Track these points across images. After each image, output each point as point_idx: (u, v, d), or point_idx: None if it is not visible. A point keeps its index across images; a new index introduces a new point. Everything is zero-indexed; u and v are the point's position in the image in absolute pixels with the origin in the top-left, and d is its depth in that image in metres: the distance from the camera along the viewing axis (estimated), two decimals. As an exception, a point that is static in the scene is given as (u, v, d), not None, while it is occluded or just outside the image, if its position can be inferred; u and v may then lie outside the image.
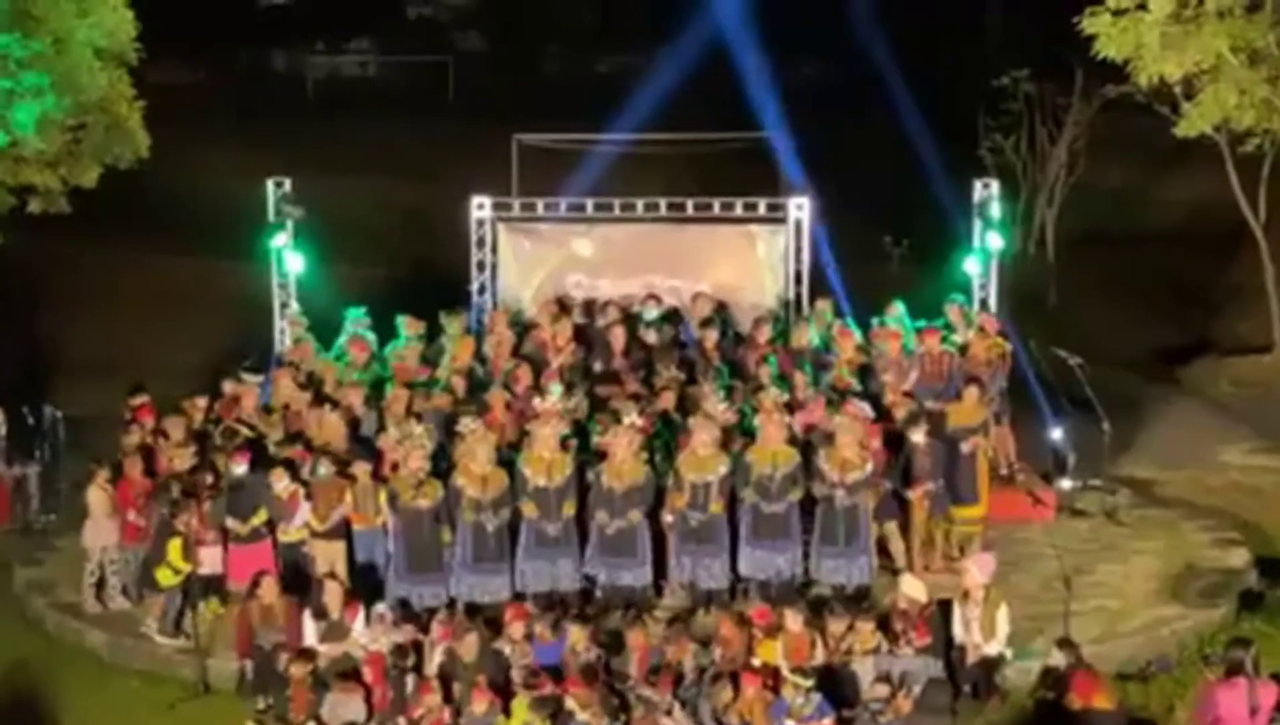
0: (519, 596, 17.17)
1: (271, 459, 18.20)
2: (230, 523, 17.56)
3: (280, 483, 17.53)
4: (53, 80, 21.14)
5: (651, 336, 20.65)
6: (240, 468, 17.72)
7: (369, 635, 16.05)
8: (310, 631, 16.13)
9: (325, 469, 17.60)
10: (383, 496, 17.51)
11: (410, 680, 15.47)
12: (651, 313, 21.20)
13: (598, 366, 20.35)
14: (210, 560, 17.60)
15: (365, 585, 17.24)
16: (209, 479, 17.93)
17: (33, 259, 28.51)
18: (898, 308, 21.09)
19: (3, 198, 23.23)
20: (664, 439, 18.26)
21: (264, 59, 55.47)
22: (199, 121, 37.38)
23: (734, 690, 14.92)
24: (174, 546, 17.10)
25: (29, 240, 25.15)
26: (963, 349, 20.50)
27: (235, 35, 51.35)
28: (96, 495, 18.16)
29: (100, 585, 18.15)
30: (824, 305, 21.35)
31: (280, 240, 22.43)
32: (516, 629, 15.88)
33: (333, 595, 16.25)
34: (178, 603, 17.19)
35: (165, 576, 17.11)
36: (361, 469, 17.59)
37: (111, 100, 22.90)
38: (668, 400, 19.03)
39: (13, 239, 23.70)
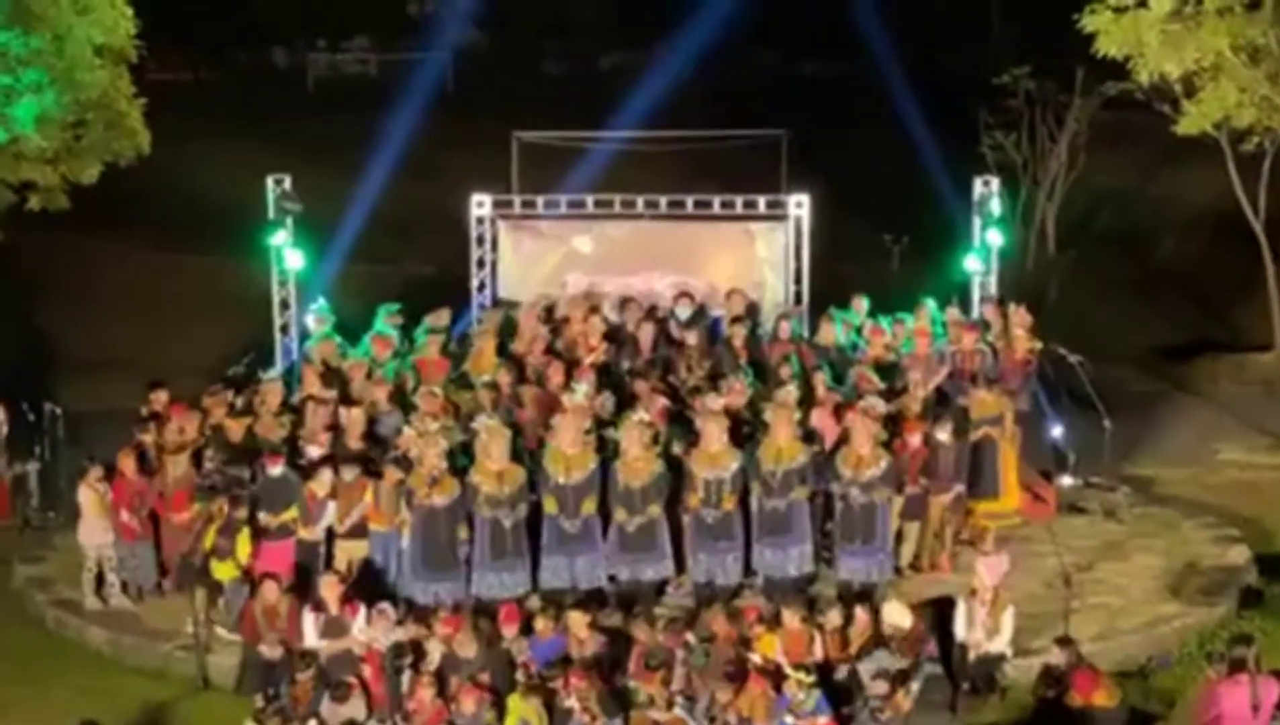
0: (542, 594, 17.20)
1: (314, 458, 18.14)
2: (262, 517, 17.50)
3: (323, 480, 17.50)
4: (52, 77, 21.19)
5: (690, 336, 20.46)
6: (276, 469, 17.65)
7: (369, 633, 16.03)
8: (310, 627, 16.10)
9: (351, 474, 17.56)
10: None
11: (406, 678, 15.46)
12: (685, 311, 21.11)
13: (626, 364, 20.28)
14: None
15: (374, 584, 17.22)
16: (240, 474, 17.90)
17: (33, 256, 28.52)
18: (928, 305, 20.99)
19: (3, 194, 23.26)
20: (680, 435, 18.14)
21: (265, 56, 55.52)
22: (199, 119, 37.38)
23: (736, 689, 14.94)
24: (242, 538, 17.14)
25: (29, 237, 25.14)
26: (993, 348, 20.40)
27: (236, 32, 51.36)
28: (87, 494, 18.15)
29: (100, 582, 18.14)
30: (859, 302, 21.24)
31: (280, 238, 22.37)
32: (510, 629, 15.86)
33: (330, 589, 16.21)
34: (244, 596, 17.07)
35: (227, 570, 17.11)
36: (392, 471, 17.49)
37: (111, 97, 22.92)
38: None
39: (13, 236, 23.70)
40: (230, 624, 17.10)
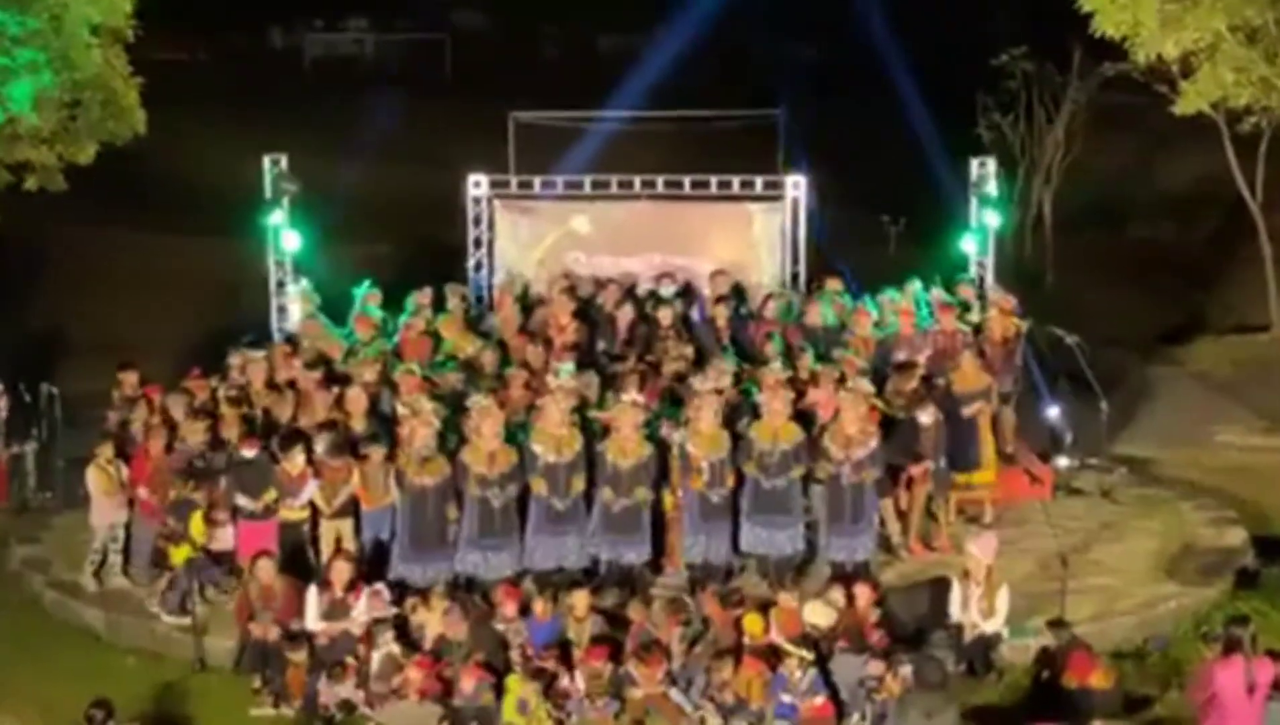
0: (523, 574, 17.19)
1: (284, 436, 18.11)
2: (242, 500, 17.45)
3: (296, 459, 17.46)
4: (49, 57, 21.15)
5: (666, 315, 20.48)
6: (251, 451, 17.61)
7: (366, 613, 16.05)
8: (313, 608, 16.09)
9: (339, 460, 17.54)
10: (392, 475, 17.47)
11: (381, 654, 15.44)
12: (668, 290, 21.11)
13: (601, 345, 20.29)
14: (223, 538, 17.59)
15: (369, 564, 17.21)
16: (222, 458, 17.88)
17: (29, 237, 28.49)
18: (914, 285, 21.03)
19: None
20: (673, 416, 18.13)
21: (261, 36, 55.48)
22: (196, 99, 37.39)
23: (734, 667, 14.99)
24: (195, 520, 17.14)
25: (26, 218, 25.11)
26: (976, 327, 20.44)
27: (233, 13, 51.28)
28: (95, 475, 18.09)
29: (101, 564, 18.13)
30: (834, 284, 21.29)
31: (276, 217, 22.37)
32: (509, 608, 15.89)
33: (340, 573, 16.19)
34: (187, 581, 17.09)
35: (184, 553, 17.06)
36: (375, 450, 17.49)
37: (108, 77, 22.89)
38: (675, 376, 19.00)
39: (9, 217, 23.67)
40: (173, 608, 17.07)
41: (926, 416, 18.25)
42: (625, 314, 20.47)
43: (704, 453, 17.23)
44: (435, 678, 15.16)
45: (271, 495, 17.44)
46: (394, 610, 16.11)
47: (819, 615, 15.79)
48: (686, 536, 17.46)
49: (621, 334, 20.33)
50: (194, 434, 18.10)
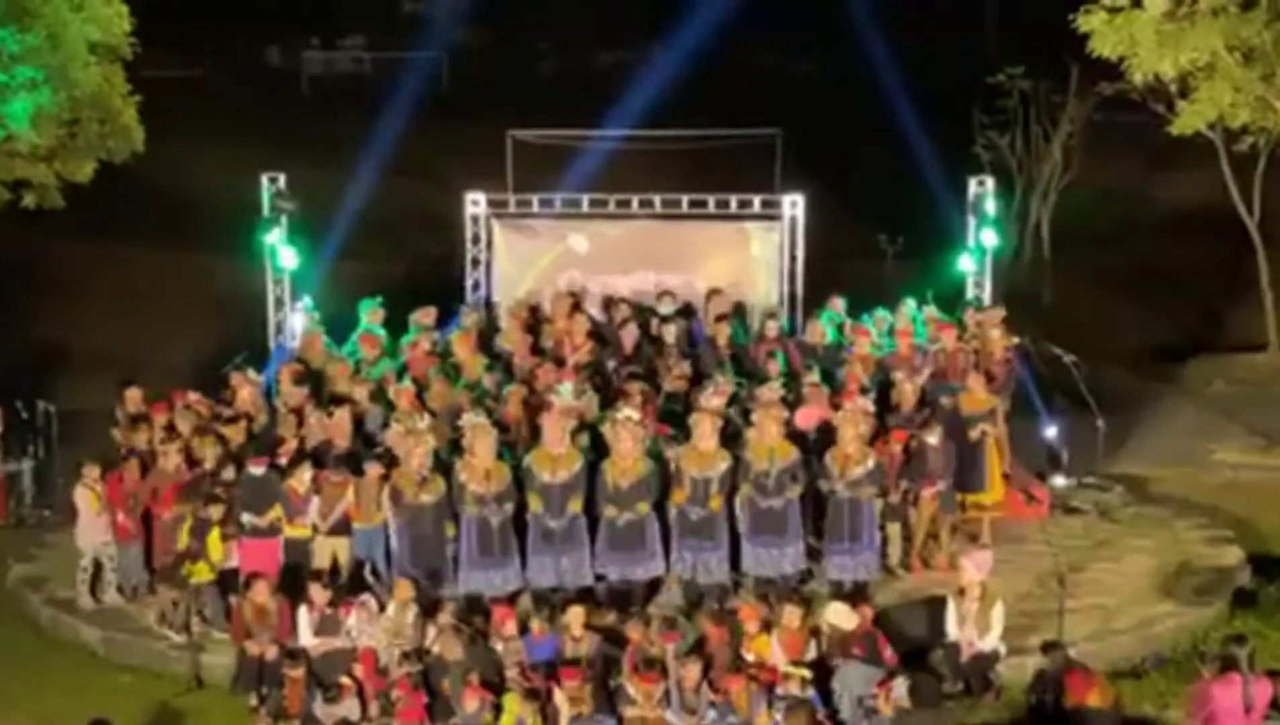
0: (521, 591, 17.19)
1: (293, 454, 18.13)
2: (246, 517, 17.46)
3: (303, 476, 17.50)
4: (47, 75, 21.16)
5: (670, 332, 20.48)
6: (258, 469, 17.65)
7: (357, 628, 16.05)
8: (305, 626, 16.12)
9: (338, 476, 17.55)
10: (385, 493, 17.44)
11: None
12: (667, 308, 21.11)
13: (611, 364, 20.29)
14: (230, 555, 17.58)
15: (360, 582, 17.23)
16: (230, 475, 17.87)
17: (26, 254, 28.49)
18: (908, 305, 21.04)
19: (-2, 193, 23.25)
20: (677, 438, 18.12)
21: (259, 54, 55.44)
22: (194, 116, 37.31)
23: (703, 668, 15.01)
24: (213, 540, 17.10)
25: (24, 235, 25.11)
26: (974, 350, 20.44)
27: (230, 30, 51.27)
28: (83, 494, 18.10)
29: (95, 581, 18.12)
30: (837, 302, 21.29)
31: (274, 236, 22.36)
32: (507, 628, 15.88)
33: (318, 595, 16.23)
34: (218, 598, 17.11)
35: (202, 571, 17.06)
36: (372, 468, 17.51)
37: (106, 95, 22.92)
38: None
39: (7, 234, 23.67)
40: (219, 624, 17.08)
41: (933, 437, 18.25)
42: (630, 332, 20.47)
43: (691, 469, 17.24)
44: (421, 705, 15.17)
45: (276, 512, 17.46)
46: (384, 621, 16.10)
47: (841, 618, 15.76)
48: (674, 552, 17.47)
49: (626, 352, 20.32)
50: (168, 461, 18.10)
